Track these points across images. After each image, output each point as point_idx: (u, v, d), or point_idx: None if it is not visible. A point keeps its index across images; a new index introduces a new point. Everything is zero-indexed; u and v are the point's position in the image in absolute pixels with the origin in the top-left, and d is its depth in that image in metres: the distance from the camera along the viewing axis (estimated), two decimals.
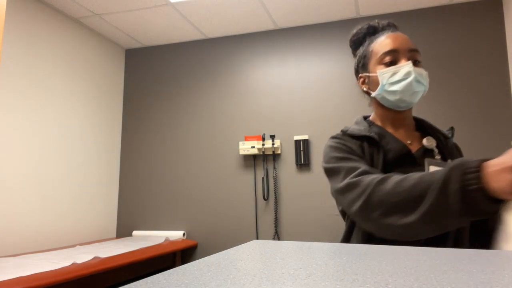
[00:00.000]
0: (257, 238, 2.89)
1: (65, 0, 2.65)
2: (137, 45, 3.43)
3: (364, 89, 1.10)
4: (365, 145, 0.99)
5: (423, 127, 1.09)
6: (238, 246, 0.44)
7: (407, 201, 0.73)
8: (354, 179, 0.85)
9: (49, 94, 2.66)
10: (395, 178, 0.79)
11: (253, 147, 2.93)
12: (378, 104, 1.07)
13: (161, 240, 2.75)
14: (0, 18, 1.58)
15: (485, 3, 2.70)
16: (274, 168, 2.94)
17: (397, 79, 0.98)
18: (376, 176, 0.82)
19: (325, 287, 0.25)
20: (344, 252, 0.40)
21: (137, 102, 3.39)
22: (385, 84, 0.99)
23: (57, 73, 2.74)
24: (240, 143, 2.98)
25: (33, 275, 1.62)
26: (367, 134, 0.99)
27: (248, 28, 3.12)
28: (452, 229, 0.78)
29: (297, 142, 2.89)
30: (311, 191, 2.83)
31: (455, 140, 1.17)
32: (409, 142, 1.02)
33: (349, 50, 1.18)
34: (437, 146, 1.01)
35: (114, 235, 3.20)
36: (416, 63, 1.01)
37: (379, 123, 1.08)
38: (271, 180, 2.93)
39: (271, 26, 3.09)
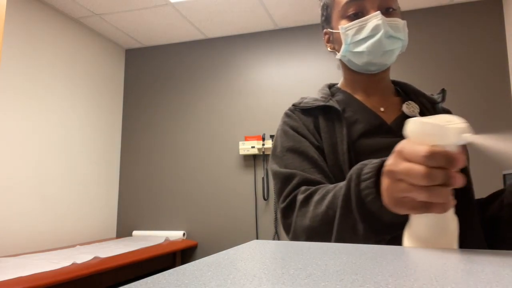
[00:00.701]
0: (257, 238, 2.89)
1: (65, 0, 2.65)
2: (137, 45, 3.43)
3: (329, 49, 0.90)
4: (321, 119, 0.80)
5: (405, 92, 0.90)
6: (238, 246, 0.44)
7: (324, 226, 0.60)
8: (284, 205, 0.71)
9: (49, 94, 2.66)
10: (316, 196, 0.64)
11: (253, 147, 2.93)
12: (346, 66, 0.88)
13: (161, 240, 2.75)
14: (0, 18, 1.58)
15: (485, 3, 2.70)
16: None
17: (363, 37, 0.78)
18: (301, 196, 0.68)
19: (325, 287, 0.25)
20: (344, 252, 0.40)
21: (137, 102, 3.39)
22: (349, 44, 0.80)
23: (57, 73, 2.74)
24: (240, 143, 2.98)
25: (33, 275, 1.62)
26: (323, 103, 0.81)
27: (248, 28, 3.12)
28: (384, 241, 0.55)
29: None
30: None
31: (448, 104, 1.00)
32: (382, 109, 0.83)
33: None
34: (420, 113, 0.83)
35: (114, 235, 3.20)
36: (388, 12, 0.79)
37: (347, 89, 0.89)
38: (271, 180, 2.93)
39: (271, 26, 3.09)
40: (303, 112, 0.84)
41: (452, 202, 0.42)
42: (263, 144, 2.93)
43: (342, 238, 0.56)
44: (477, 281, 0.26)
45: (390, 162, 0.45)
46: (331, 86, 0.94)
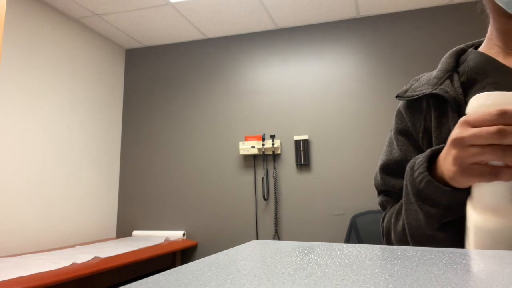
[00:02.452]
0: (257, 238, 2.89)
1: (65, 0, 2.65)
2: (137, 45, 3.43)
3: None
4: (433, 111, 0.61)
5: None
6: (238, 246, 0.44)
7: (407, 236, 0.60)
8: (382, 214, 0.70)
9: (49, 94, 2.66)
10: (392, 220, 0.63)
11: (253, 147, 2.93)
12: (496, 9, 0.61)
13: (161, 240, 2.75)
14: (0, 18, 1.58)
15: None
16: (274, 168, 2.94)
17: None
18: (384, 222, 0.67)
19: (325, 287, 0.25)
20: (344, 252, 0.40)
21: (137, 102, 3.39)
22: None
23: (57, 73, 2.74)
24: (240, 143, 2.98)
25: (33, 275, 1.62)
26: (430, 91, 0.61)
27: (248, 28, 3.12)
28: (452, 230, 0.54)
29: (297, 142, 2.89)
30: (311, 191, 2.83)
31: None
32: None
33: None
34: None
35: (114, 235, 3.20)
36: None
37: (493, 47, 0.63)
38: (271, 180, 2.93)
39: (271, 26, 3.09)
40: (410, 105, 0.66)
41: None
42: (263, 144, 2.93)
43: (412, 231, 0.56)
44: (477, 281, 0.26)
45: (456, 131, 0.45)
46: (464, 49, 0.68)
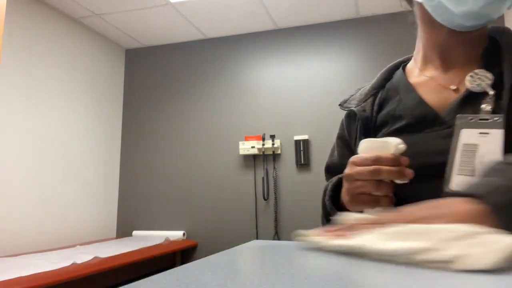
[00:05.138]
0: (257, 238, 2.89)
1: (65, 0, 2.65)
2: (137, 45, 3.43)
3: None
4: (359, 124, 0.70)
5: (498, 49, 0.61)
6: (238, 246, 0.44)
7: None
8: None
9: (49, 94, 2.66)
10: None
11: (253, 147, 2.93)
12: (425, 19, 0.63)
13: (161, 240, 2.75)
14: (0, 18, 1.58)
15: None
16: (274, 168, 2.94)
17: None
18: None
19: (325, 287, 0.25)
20: (344, 252, 0.40)
21: (137, 102, 3.39)
22: None
23: (57, 73, 2.74)
24: (240, 143, 2.98)
25: (33, 275, 1.62)
26: (353, 108, 0.71)
27: (248, 28, 3.12)
28: None
29: (297, 142, 2.89)
30: (311, 191, 2.83)
31: None
32: (453, 87, 0.62)
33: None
34: (494, 85, 0.57)
35: (114, 235, 3.20)
36: None
37: (412, 65, 0.70)
38: (271, 180, 2.93)
39: (271, 26, 3.09)
40: (349, 114, 0.75)
41: (393, 198, 0.54)
42: (263, 144, 2.93)
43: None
44: (477, 281, 0.26)
45: (347, 169, 0.57)
46: (405, 62, 0.76)
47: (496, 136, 0.53)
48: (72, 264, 1.87)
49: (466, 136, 0.54)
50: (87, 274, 1.81)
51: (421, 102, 0.63)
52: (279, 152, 2.94)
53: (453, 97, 0.61)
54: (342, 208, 0.63)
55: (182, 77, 3.30)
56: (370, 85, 0.75)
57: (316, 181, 2.84)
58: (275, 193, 2.90)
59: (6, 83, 2.35)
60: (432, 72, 0.66)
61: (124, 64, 3.48)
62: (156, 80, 3.37)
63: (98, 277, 1.96)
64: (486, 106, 0.56)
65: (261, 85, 3.09)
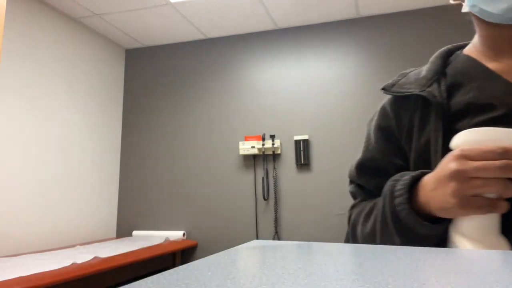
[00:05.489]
0: (257, 238, 2.89)
1: (65, 0, 2.65)
2: (137, 45, 3.43)
3: (451, 0, 0.65)
4: (418, 112, 0.61)
5: None
6: (238, 246, 0.44)
7: (370, 242, 0.61)
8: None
9: (49, 94, 2.66)
10: (360, 219, 0.64)
11: (253, 147, 2.93)
12: (479, 19, 0.62)
13: (161, 240, 2.75)
14: (0, 18, 1.58)
15: None
16: (274, 168, 2.94)
17: None
18: (352, 216, 0.68)
19: (325, 287, 0.25)
20: (344, 252, 0.40)
21: (137, 102, 3.39)
22: None
23: (57, 73, 2.74)
24: (240, 143, 2.98)
25: (33, 275, 1.62)
26: (418, 91, 0.61)
27: (248, 28, 3.12)
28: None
29: (297, 142, 2.89)
30: (311, 191, 2.83)
31: None
32: None
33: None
34: None
35: (114, 235, 3.20)
36: None
37: (479, 52, 0.63)
38: (271, 180, 2.93)
39: (271, 26, 3.09)
40: (397, 101, 0.65)
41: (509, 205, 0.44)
42: (263, 144, 2.93)
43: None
44: (477, 281, 0.26)
45: (454, 164, 0.46)
46: (453, 51, 0.69)
47: None
48: (72, 264, 1.87)
49: None
50: (87, 274, 1.81)
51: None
52: (279, 152, 2.94)
53: None
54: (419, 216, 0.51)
55: (182, 77, 3.30)
56: (426, 70, 0.65)
57: (316, 181, 2.84)
58: (275, 193, 2.90)
59: (5, 83, 2.35)
60: (499, 62, 0.60)
61: (124, 64, 3.48)
62: (156, 80, 3.37)
63: (98, 277, 1.96)
64: None
65: (261, 85, 3.09)
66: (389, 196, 0.55)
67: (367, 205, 0.65)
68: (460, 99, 0.58)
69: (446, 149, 0.53)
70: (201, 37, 3.27)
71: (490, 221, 0.46)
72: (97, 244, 2.64)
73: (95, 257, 2.04)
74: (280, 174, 2.93)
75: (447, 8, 2.78)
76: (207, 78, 3.23)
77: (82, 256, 2.06)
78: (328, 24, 3.01)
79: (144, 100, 3.37)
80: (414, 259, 0.35)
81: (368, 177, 0.68)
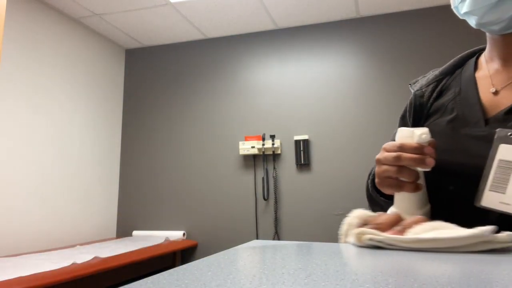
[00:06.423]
0: (257, 238, 2.89)
1: (65, 0, 2.65)
2: (137, 45, 3.43)
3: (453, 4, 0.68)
4: (412, 109, 0.75)
5: None
6: (238, 246, 0.44)
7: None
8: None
9: (49, 94, 2.66)
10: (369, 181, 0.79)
11: (253, 147, 2.93)
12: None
13: (161, 240, 2.75)
14: (0, 18, 1.58)
15: None
16: (274, 168, 2.94)
17: None
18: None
19: (325, 287, 0.25)
20: (344, 252, 0.40)
21: (137, 102, 3.39)
22: (456, 7, 0.65)
23: (57, 73, 2.74)
24: (240, 143, 2.98)
25: (33, 275, 1.62)
26: (418, 90, 0.73)
27: (248, 28, 3.12)
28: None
29: (297, 142, 2.89)
30: (311, 191, 2.83)
31: None
32: (493, 90, 0.64)
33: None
34: None
35: (114, 235, 3.20)
36: None
37: (486, 58, 0.70)
38: (271, 180, 2.93)
39: (271, 26, 3.09)
40: (414, 96, 0.76)
41: (420, 185, 0.56)
42: (263, 144, 2.93)
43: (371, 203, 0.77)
44: (477, 281, 0.26)
45: (378, 155, 0.61)
46: (476, 52, 0.74)
47: None
48: (72, 264, 1.87)
49: (504, 152, 0.52)
50: (87, 274, 1.81)
51: (476, 102, 0.64)
52: (279, 152, 2.94)
53: (506, 103, 0.61)
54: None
55: (182, 77, 3.30)
56: (439, 70, 0.74)
57: (316, 181, 2.84)
58: (275, 193, 2.90)
59: (6, 83, 2.35)
60: (495, 67, 0.67)
61: (124, 64, 3.48)
62: (156, 80, 3.37)
63: (98, 277, 1.96)
64: None
65: (261, 85, 3.09)
66: (368, 176, 0.75)
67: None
68: (441, 100, 0.70)
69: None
70: (201, 37, 3.27)
71: (413, 197, 0.58)
72: (97, 244, 2.64)
73: (95, 257, 2.04)
74: (280, 174, 2.93)
75: (447, 8, 2.78)
76: (207, 78, 3.23)
77: (82, 256, 2.06)
78: (328, 24, 3.01)
79: (144, 100, 3.37)
80: (414, 259, 0.35)
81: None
